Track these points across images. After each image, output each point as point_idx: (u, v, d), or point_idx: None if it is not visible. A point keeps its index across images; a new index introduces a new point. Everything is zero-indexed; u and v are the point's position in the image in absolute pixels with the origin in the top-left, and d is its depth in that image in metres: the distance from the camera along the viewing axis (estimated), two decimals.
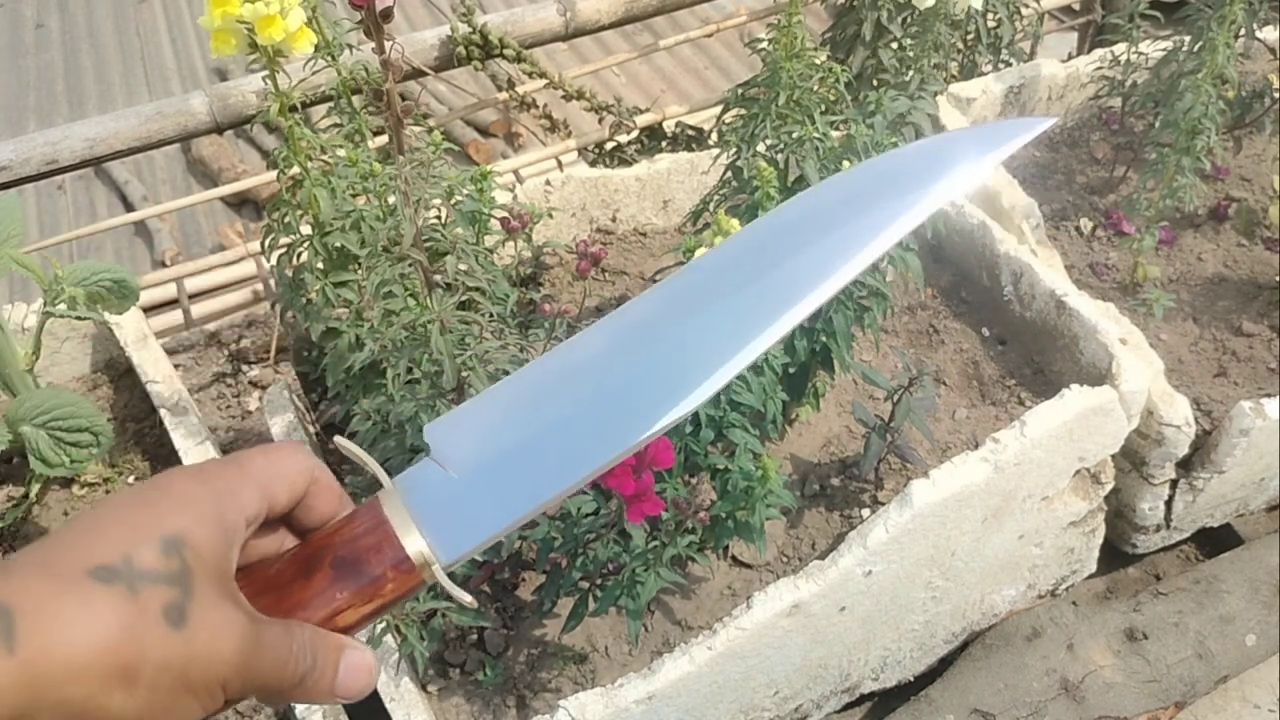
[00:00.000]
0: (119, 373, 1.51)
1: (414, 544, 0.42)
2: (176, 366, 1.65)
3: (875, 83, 1.62)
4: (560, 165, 2.09)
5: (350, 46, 1.06)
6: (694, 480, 1.09)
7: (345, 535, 0.42)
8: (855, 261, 0.44)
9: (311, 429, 1.34)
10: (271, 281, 1.80)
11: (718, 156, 1.33)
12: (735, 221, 1.02)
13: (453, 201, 1.11)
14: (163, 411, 1.33)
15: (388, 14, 0.84)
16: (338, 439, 0.47)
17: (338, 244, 1.11)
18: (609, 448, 0.44)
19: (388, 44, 0.85)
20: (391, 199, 1.07)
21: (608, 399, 0.44)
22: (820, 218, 0.45)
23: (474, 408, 0.46)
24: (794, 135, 1.24)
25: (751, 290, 0.44)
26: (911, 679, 1.31)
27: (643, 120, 2.08)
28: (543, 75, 1.97)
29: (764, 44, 1.24)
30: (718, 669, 1.06)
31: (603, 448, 0.44)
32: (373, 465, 0.44)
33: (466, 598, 0.43)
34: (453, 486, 0.43)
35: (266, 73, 1.02)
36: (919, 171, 0.45)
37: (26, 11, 3.38)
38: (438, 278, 0.94)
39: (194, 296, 1.88)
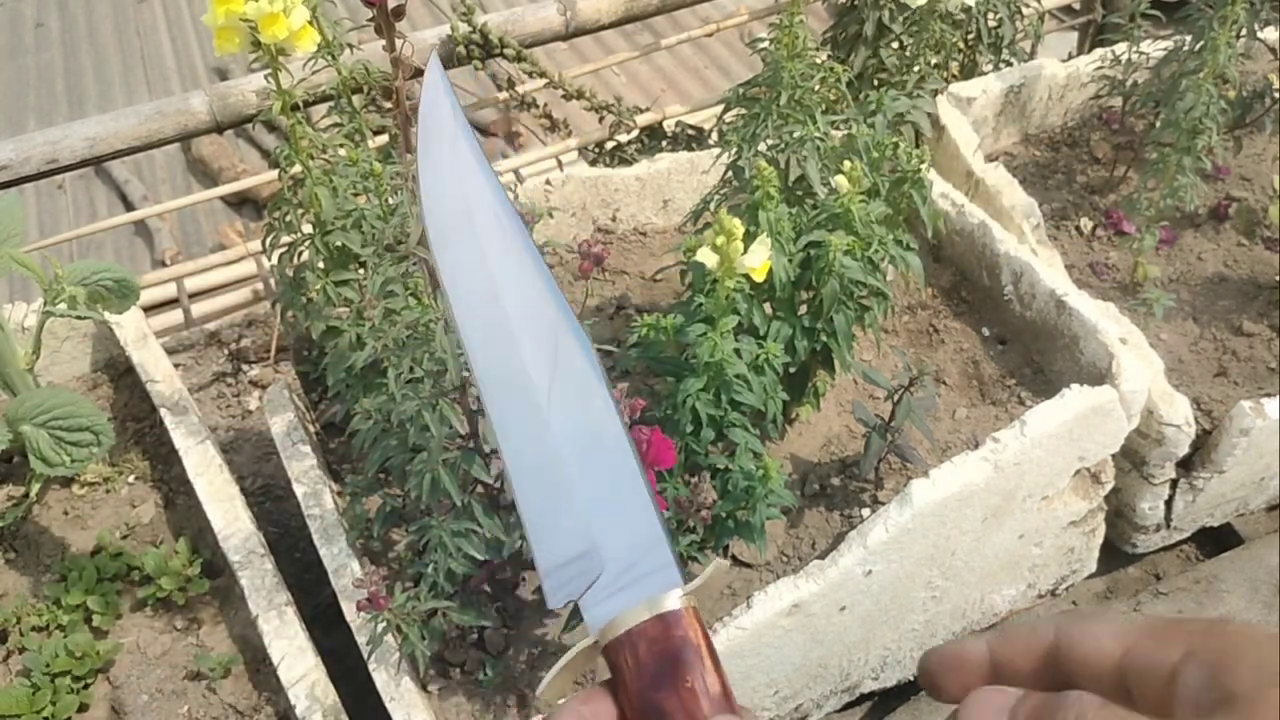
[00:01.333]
0: (119, 372, 1.51)
1: (667, 604, 0.42)
2: (176, 366, 1.65)
3: (876, 82, 1.62)
4: (560, 165, 2.09)
5: (351, 46, 1.06)
6: (695, 480, 1.09)
7: (648, 672, 0.42)
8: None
9: (311, 429, 1.34)
10: (272, 281, 1.80)
11: (718, 156, 1.33)
12: (736, 221, 1.02)
13: None
14: (163, 411, 1.34)
15: (400, 11, 0.84)
16: (539, 703, 0.45)
17: (339, 243, 1.11)
18: (612, 424, 0.45)
19: (398, 41, 0.85)
20: (393, 198, 1.07)
21: (580, 430, 0.45)
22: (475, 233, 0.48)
23: (536, 541, 0.45)
24: (795, 135, 1.24)
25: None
26: (911, 678, 1.31)
27: (643, 120, 2.08)
28: (543, 74, 1.96)
29: (765, 43, 1.24)
30: None
31: (611, 428, 0.44)
32: (567, 657, 0.43)
33: (724, 563, 0.44)
34: (618, 568, 0.43)
35: (267, 72, 1.02)
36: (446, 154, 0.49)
37: (26, 11, 3.38)
38: None
39: (194, 296, 1.88)
